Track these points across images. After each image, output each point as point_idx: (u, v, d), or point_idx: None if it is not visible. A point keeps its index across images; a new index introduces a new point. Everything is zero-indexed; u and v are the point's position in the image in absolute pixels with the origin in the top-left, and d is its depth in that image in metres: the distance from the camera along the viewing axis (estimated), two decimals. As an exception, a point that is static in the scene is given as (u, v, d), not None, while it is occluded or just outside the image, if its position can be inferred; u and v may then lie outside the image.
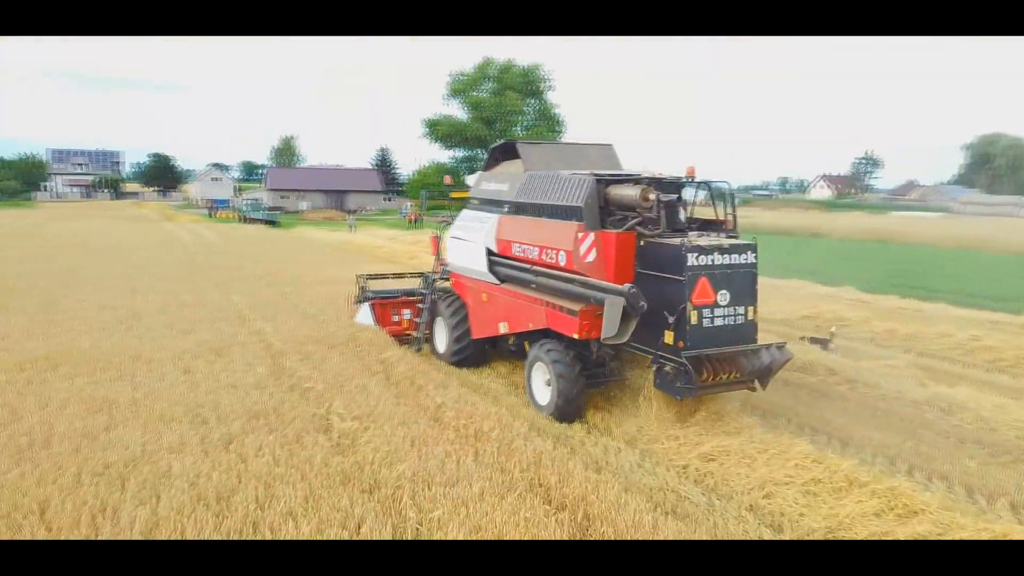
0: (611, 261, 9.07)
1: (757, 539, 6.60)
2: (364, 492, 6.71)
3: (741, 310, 8.65)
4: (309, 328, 13.82)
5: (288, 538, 5.80)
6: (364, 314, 13.71)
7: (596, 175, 9.58)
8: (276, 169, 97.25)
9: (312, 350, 12.03)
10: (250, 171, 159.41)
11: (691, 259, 8.33)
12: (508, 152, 11.83)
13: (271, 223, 56.50)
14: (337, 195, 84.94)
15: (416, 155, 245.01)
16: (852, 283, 23.03)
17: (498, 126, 72.89)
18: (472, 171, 65.20)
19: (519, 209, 10.67)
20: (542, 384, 9.90)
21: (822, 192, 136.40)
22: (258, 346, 12.35)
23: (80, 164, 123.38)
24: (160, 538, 5.74)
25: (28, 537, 5.67)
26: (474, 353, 11.97)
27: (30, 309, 15.43)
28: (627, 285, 8.47)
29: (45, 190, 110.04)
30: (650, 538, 6.04)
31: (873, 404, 10.76)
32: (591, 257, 9.13)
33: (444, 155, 79.77)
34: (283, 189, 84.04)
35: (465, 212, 12.27)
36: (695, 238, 8.81)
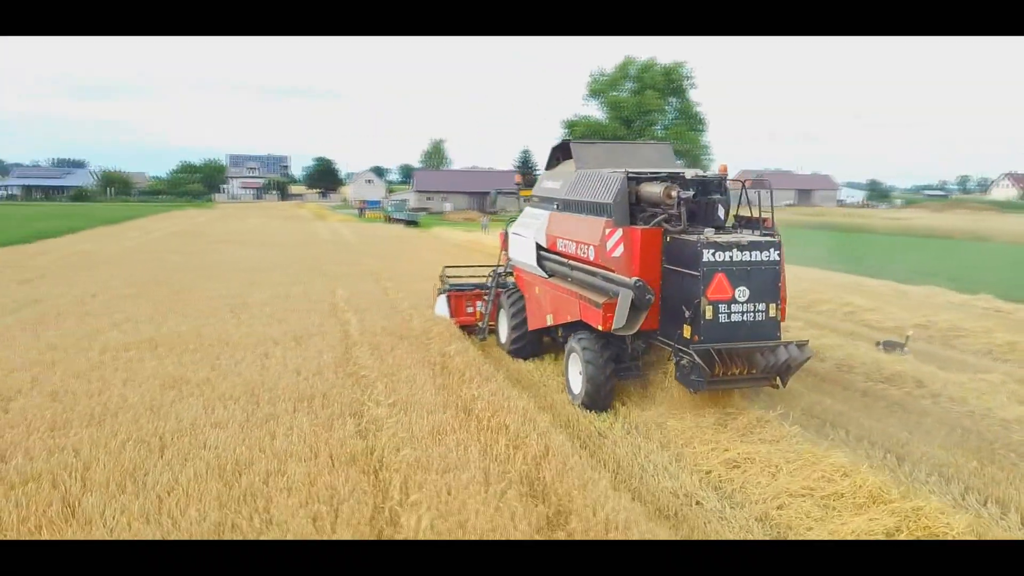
0: (636, 256, 9.24)
1: (737, 539, 6.34)
2: (363, 473, 7.09)
3: (762, 307, 8.66)
4: (391, 320, 14.53)
5: (275, 508, 6.26)
6: (441, 305, 14.30)
7: (629, 173, 9.66)
8: (422, 171, 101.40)
9: (382, 341, 12.66)
10: (408, 174, 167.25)
11: (707, 255, 8.46)
12: (566, 152, 12.04)
13: (412, 223, 59.11)
14: (479, 196, 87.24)
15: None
16: (993, 291, 20.94)
17: (636, 125, 72.11)
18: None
19: (566, 206, 10.98)
20: (576, 374, 10.15)
21: (1006, 191, 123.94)
22: (336, 336, 13.15)
23: (252, 168, 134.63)
24: (168, 500, 6.39)
25: (62, 491, 6.49)
26: (531, 344, 12.34)
27: (160, 297, 17.24)
28: (634, 278, 8.73)
29: (223, 192, 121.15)
30: (621, 538, 5.98)
31: (954, 420, 9.88)
32: (618, 252, 9.36)
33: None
34: (429, 191, 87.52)
35: (527, 209, 12.64)
36: (711, 235, 8.76)
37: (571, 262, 10.50)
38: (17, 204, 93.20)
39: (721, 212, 9.82)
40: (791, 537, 6.67)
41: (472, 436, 8.14)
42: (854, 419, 9.90)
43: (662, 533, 6.10)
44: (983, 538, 6.41)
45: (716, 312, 8.48)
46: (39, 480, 6.74)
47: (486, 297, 13.83)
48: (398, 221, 60.70)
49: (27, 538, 5.83)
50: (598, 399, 9.77)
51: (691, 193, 9.20)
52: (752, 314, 8.61)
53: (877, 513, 6.76)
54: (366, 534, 5.85)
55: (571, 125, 74.72)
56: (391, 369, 10.83)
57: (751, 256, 8.61)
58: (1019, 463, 8.57)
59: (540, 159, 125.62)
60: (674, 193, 9.13)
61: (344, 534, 5.79)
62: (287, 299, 17.18)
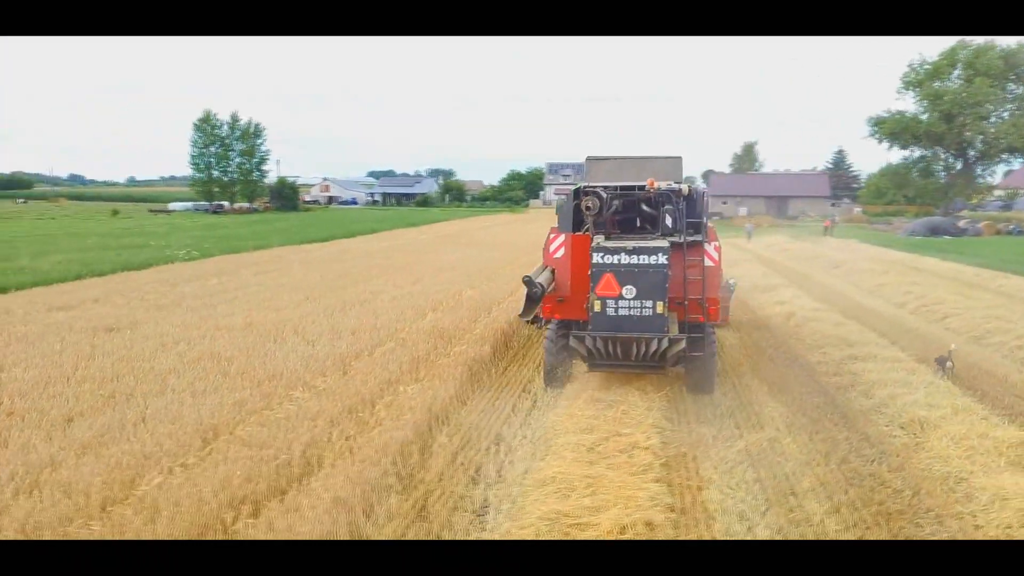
0: (570, 258, 11.05)
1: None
2: (203, 440, 8.56)
3: (649, 303, 9.90)
4: (459, 320, 15.68)
5: (117, 448, 8.03)
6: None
7: (581, 186, 10.96)
8: (718, 175, 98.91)
9: (416, 338, 13.95)
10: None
11: (596, 257, 10.00)
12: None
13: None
14: (778, 201, 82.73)
15: (884, 156, 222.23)
16: None
17: (961, 119, 62.30)
18: (925, 172, 56.66)
19: None
20: None
21: None
22: (389, 331, 14.65)
23: (566, 175, 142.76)
24: (72, 431, 8.53)
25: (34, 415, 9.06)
26: None
27: (319, 291, 20.34)
28: (526, 275, 10.30)
29: (539, 198, 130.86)
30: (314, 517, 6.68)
31: (913, 479, 8.35)
32: (558, 254, 11.27)
33: (896, 155, 71.67)
34: (724, 195, 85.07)
35: None
36: (601, 240, 10.23)
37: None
38: (369, 208, 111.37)
39: (669, 220, 10.85)
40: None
41: (351, 424, 9.23)
42: (795, 463, 8.80)
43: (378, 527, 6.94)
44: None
45: (604, 306, 9.99)
46: (30, 413, 9.39)
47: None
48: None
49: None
50: (551, 376, 11.50)
51: (592, 204, 10.35)
52: (639, 310, 9.93)
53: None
54: (120, 479, 7.33)
55: (878, 123, 67.02)
56: (377, 362, 12.14)
57: (638, 259, 9.90)
58: (917, 532, 7.12)
59: (857, 159, 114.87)
60: (589, 205, 10.41)
61: (114, 482, 7.33)
62: (411, 296, 19.13)
